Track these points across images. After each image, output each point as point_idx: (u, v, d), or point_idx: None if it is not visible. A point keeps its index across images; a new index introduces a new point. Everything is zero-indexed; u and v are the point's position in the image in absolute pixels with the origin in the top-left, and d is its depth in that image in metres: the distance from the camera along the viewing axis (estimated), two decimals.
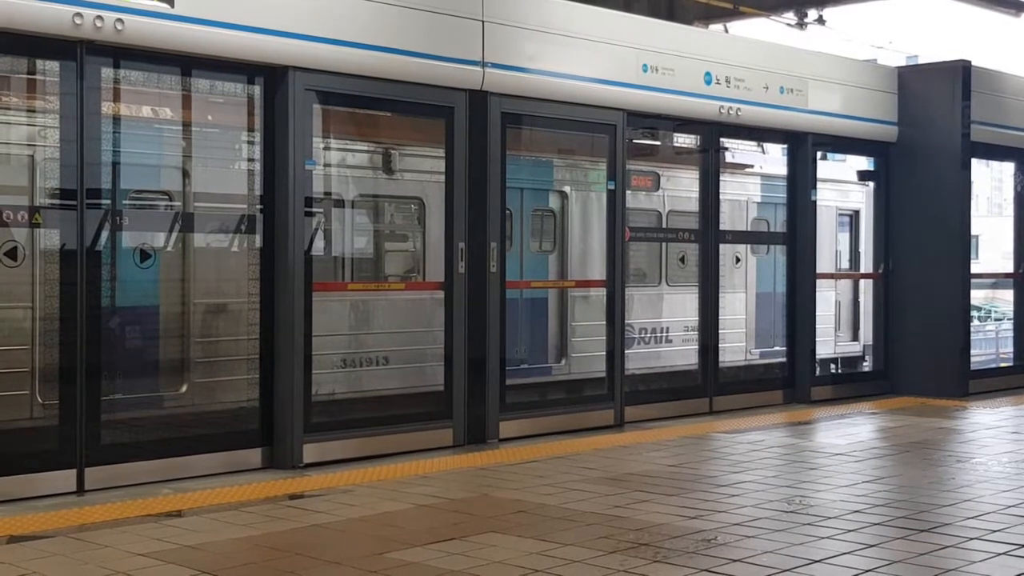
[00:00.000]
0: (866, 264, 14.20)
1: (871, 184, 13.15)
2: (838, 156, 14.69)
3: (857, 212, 15.95)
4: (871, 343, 13.35)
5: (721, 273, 11.01)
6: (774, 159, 14.05)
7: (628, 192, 10.09)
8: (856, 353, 15.97)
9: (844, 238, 16.16)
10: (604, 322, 9.87)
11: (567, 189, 12.63)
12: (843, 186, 15.55)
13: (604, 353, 9.81)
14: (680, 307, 13.13)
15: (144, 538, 5.69)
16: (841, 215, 15.90)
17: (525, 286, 11.45)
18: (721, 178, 10.98)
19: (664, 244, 13.47)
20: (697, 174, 11.14)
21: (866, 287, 13.74)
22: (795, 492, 6.91)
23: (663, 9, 16.55)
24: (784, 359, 11.63)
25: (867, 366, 14.82)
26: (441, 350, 8.67)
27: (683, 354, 12.35)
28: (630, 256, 10.80)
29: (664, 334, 13.54)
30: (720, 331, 10.93)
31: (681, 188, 13.39)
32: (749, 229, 14.65)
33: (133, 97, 8.19)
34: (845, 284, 15.98)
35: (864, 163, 14.06)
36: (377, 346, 10.39)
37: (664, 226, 13.50)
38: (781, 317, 11.98)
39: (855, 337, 16.09)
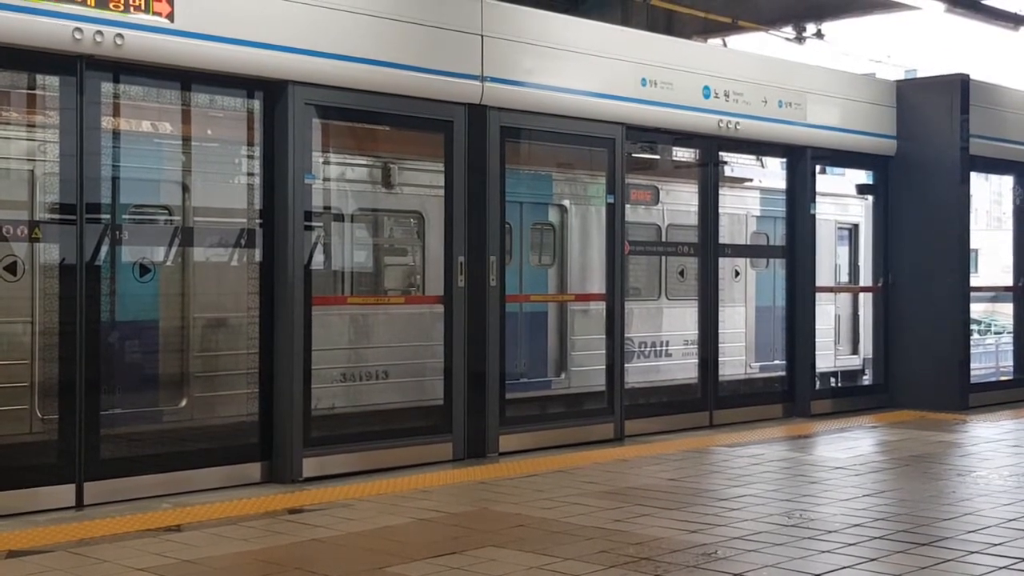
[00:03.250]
0: (865, 277, 14.20)
1: (870, 198, 13.16)
2: (837, 170, 14.71)
3: (856, 225, 15.96)
4: (871, 356, 13.35)
5: (720, 287, 11.00)
6: (773, 173, 14.06)
7: (627, 206, 10.10)
8: (856, 367, 15.96)
9: (843, 251, 16.17)
10: (604, 336, 9.87)
11: (566, 203, 12.64)
12: (842, 200, 15.57)
13: (604, 367, 9.80)
14: (680, 321, 13.12)
15: (143, 553, 5.68)
16: (840, 228, 15.91)
17: (524, 300, 11.45)
18: (720, 192, 11.00)
19: (663, 258, 13.48)
20: (696, 188, 11.15)
21: (865, 300, 13.75)
22: (795, 506, 6.90)
23: (661, 23, 16.57)
24: (784, 373, 11.63)
25: (867, 380, 14.82)
26: (441, 364, 8.67)
27: (683, 368, 12.34)
28: (629, 270, 10.80)
29: (664, 348, 13.53)
30: (720, 345, 10.92)
31: (680, 202, 13.40)
32: (748, 243, 14.66)
33: (133, 112, 8.21)
34: (844, 298, 15.98)
35: (863, 177, 14.07)
36: (377, 360, 10.38)
37: (663, 240, 13.52)
38: (781, 331, 11.98)
39: (855, 351, 16.08)
